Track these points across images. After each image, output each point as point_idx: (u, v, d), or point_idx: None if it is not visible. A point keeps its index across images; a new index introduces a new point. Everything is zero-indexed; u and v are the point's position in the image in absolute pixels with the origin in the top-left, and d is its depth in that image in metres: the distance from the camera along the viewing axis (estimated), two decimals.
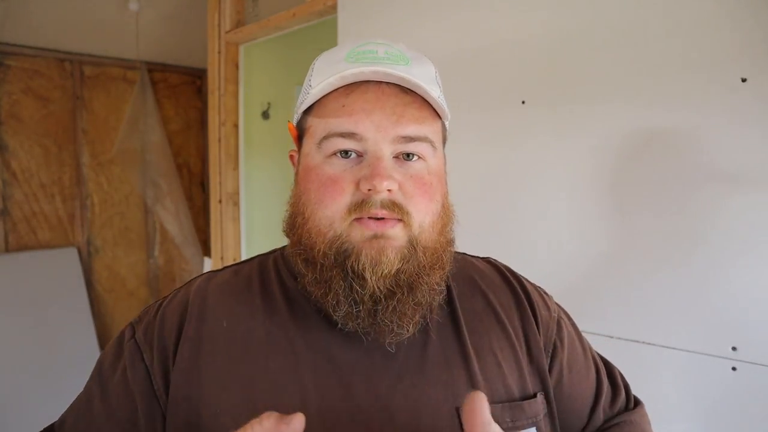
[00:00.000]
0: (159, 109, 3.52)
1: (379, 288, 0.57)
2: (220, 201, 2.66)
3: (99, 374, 0.65)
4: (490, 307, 0.69)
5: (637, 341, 1.10)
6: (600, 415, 0.74)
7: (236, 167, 2.66)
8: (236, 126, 2.64)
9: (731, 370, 0.98)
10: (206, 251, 3.50)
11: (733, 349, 0.99)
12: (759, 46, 0.94)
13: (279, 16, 2.20)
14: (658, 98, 1.07)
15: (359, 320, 0.58)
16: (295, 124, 0.68)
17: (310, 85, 0.64)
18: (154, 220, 3.61)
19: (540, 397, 0.65)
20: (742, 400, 0.97)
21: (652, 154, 1.08)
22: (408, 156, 0.60)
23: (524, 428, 0.61)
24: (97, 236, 3.41)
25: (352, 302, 0.57)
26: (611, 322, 1.15)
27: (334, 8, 1.85)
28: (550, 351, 0.70)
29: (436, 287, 0.62)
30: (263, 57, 2.63)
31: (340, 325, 0.59)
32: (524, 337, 0.69)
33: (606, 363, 0.79)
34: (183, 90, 3.73)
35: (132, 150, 3.37)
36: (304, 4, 2.06)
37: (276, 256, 0.71)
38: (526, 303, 0.72)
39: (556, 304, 0.77)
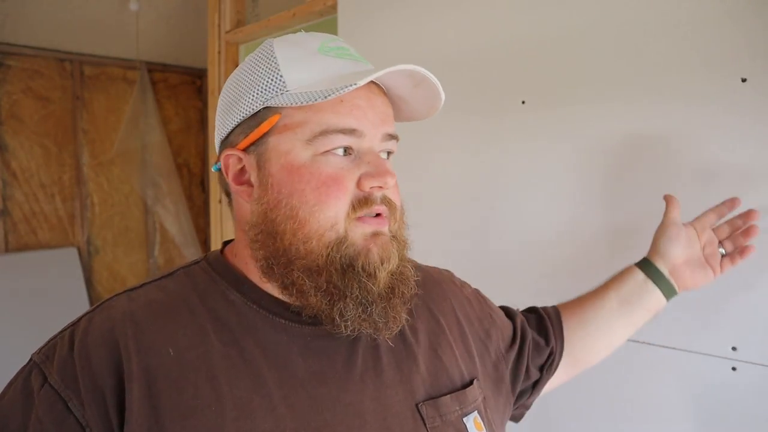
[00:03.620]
0: (159, 109, 3.52)
1: (385, 284, 0.58)
2: (220, 201, 2.66)
3: None
4: (425, 305, 0.72)
5: (637, 341, 1.10)
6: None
7: None
8: None
9: (731, 370, 0.98)
10: (206, 251, 3.49)
11: (733, 349, 0.99)
12: (759, 46, 0.94)
13: (279, 16, 2.20)
14: (658, 98, 1.07)
15: (365, 322, 0.57)
16: (245, 116, 0.60)
17: (281, 76, 0.58)
18: (154, 220, 3.61)
19: (476, 383, 0.68)
20: (742, 400, 0.97)
21: (652, 154, 1.08)
22: (386, 153, 0.62)
23: (470, 413, 0.64)
24: (97, 236, 3.41)
25: (364, 304, 0.56)
26: None
27: (334, 8, 1.85)
28: (490, 319, 0.78)
29: (414, 279, 0.63)
30: None
31: (343, 329, 0.57)
32: (456, 326, 0.73)
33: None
34: (183, 90, 3.73)
35: (132, 150, 3.37)
36: (304, 4, 2.06)
37: (202, 267, 0.64)
38: (456, 291, 0.77)
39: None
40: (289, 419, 0.54)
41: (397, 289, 0.59)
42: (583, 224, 1.20)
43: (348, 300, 0.56)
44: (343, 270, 0.56)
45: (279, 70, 0.59)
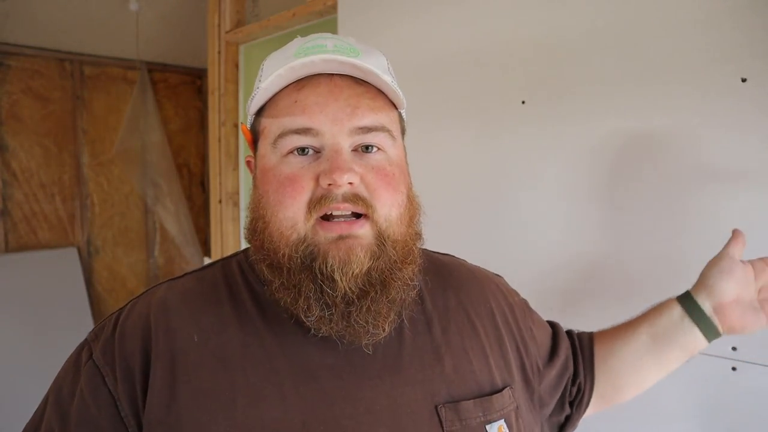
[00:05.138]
0: (159, 109, 3.52)
1: (350, 288, 0.55)
2: (220, 201, 2.66)
3: (57, 402, 0.59)
4: (461, 306, 0.69)
5: None
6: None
7: (236, 167, 2.66)
8: (236, 126, 2.64)
9: (731, 370, 0.98)
10: (206, 251, 3.50)
11: (733, 349, 0.99)
12: (759, 46, 0.94)
13: (279, 16, 2.20)
14: (658, 98, 1.07)
15: (332, 324, 0.56)
16: (249, 128, 0.66)
17: (259, 86, 0.62)
18: (154, 220, 3.61)
19: (507, 391, 0.65)
20: (742, 400, 0.97)
21: (651, 154, 1.08)
22: (367, 148, 0.59)
23: (495, 421, 0.62)
24: (97, 236, 3.41)
25: (324, 305, 0.56)
26: (611, 323, 1.15)
27: (334, 8, 1.85)
28: (531, 332, 0.75)
29: (410, 282, 0.61)
30: (263, 57, 2.62)
31: (313, 331, 0.57)
32: (494, 331, 0.70)
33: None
34: (183, 90, 3.73)
35: (132, 150, 3.37)
36: (304, 4, 2.06)
37: (239, 259, 0.68)
38: (499, 298, 0.74)
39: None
40: (297, 410, 0.55)
41: (372, 294, 0.56)
42: (583, 223, 1.20)
43: (306, 298, 0.56)
44: (300, 269, 0.56)
45: (260, 80, 0.63)
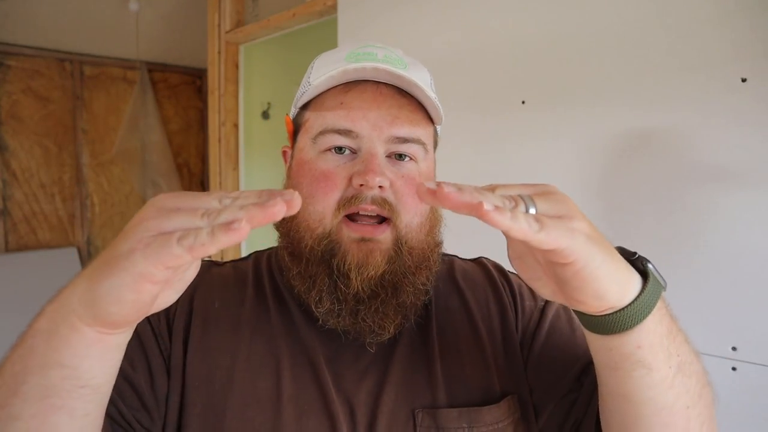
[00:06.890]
0: (159, 109, 3.52)
1: (363, 288, 0.58)
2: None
3: None
4: (464, 306, 0.69)
5: None
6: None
7: (236, 167, 2.66)
8: (236, 126, 2.64)
9: (731, 370, 0.98)
10: None
11: (733, 349, 0.99)
12: (759, 46, 0.94)
13: (279, 16, 2.20)
14: (657, 98, 1.07)
15: (340, 318, 0.59)
16: (292, 120, 0.69)
17: (309, 82, 0.64)
18: None
19: (508, 401, 0.62)
20: (742, 400, 0.97)
21: (652, 154, 1.08)
22: (400, 156, 0.62)
23: None
24: (97, 236, 3.41)
25: (335, 300, 0.59)
26: None
27: (334, 8, 1.85)
28: (530, 340, 0.67)
29: (422, 287, 0.62)
30: (263, 57, 2.63)
31: (320, 322, 0.60)
32: (501, 335, 0.67)
33: None
34: (183, 90, 3.73)
35: (132, 150, 3.37)
36: (304, 4, 2.06)
37: (271, 252, 0.73)
38: (508, 296, 0.70)
39: None
40: (288, 386, 0.60)
41: (382, 296, 0.58)
42: None
43: (319, 290, 0.59)
44: (319, 262, 0.59)
45: (309, 77, 0.66)
